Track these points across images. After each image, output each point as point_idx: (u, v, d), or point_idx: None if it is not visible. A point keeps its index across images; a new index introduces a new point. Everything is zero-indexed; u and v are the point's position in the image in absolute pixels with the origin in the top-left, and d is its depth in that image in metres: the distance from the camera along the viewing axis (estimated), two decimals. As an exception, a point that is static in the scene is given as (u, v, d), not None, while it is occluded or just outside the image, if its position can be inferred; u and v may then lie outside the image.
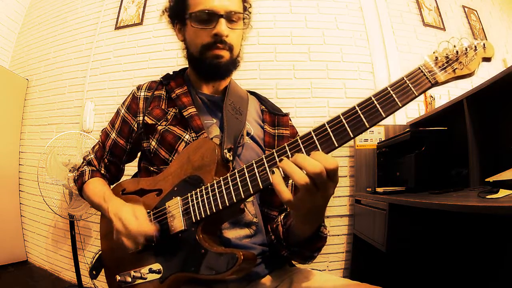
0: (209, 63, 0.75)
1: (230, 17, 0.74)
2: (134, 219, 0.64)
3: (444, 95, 2.13)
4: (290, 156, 0.50)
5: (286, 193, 0.47)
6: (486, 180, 1.06)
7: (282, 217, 0.71)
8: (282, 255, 0.69)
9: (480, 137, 1.32)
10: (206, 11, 0.72)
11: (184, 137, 0.74)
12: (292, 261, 0.79)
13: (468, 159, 1.34)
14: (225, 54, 0.75)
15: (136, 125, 0.81)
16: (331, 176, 0.46)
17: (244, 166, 0.56)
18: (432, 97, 2.08)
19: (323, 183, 0.46)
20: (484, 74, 1.42)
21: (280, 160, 0.49)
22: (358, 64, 2.24)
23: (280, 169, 0.48)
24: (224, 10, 0.72)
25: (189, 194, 0.64)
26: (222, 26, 0.72)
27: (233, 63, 0.78)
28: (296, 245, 0.64)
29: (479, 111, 1.35)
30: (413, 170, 1.50)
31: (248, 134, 0.79)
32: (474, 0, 2.73)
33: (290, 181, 0.48)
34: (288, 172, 0.46)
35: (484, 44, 0.49)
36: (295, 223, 0.60)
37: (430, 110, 1.99)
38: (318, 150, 0.49)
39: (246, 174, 0.55)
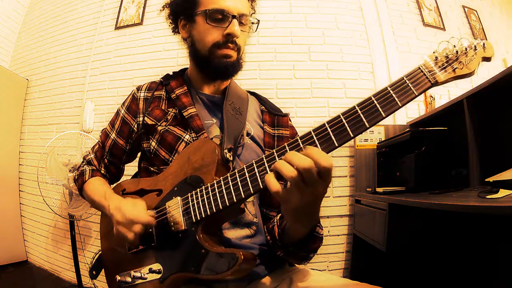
0: (217, 62, 0.75)
1: (240, 20, 0.75)
2: (133, 208, 0.65)
3: (444, 95, 2.13)
4: None
5: (274, 184, 0.47)
6: (486, 180, 1.06)
7: (278, 217, 0.70)
8: (278, 256, 0.69)
9: (480, 137, 1.32)
10: (220, 10, 0.72)
11: (184, 137, 0.74)
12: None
13: (468, 159, 1.34)
14: (234, 54, 0.76)
15: (136, 126, 0.81)
16: (323, 173, 0.45)
17: (244, 166, 0.56)
18: (432, 97, 2.08)
19: (312, 178, 0.45)
20: (484, 74, 1.42)
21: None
22: (358, 64, 2.24)
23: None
24: (237, 12, 0.74)
25: (189, 194, 0.64)
26: (235, 27, 0.72)
27: (239, 64, 0.79)
28: (291, 245, 0.63)
29: (479, 111, 1.35)
30: (413, 170, 1.50)
31: (248, 134, 0.79)
32: (474, 0, 2.73)
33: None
34: (278, 167, 0.46)
35: (483, 44, 0.49)
36: (288, 222, 0.60)
37: (430, 110, 1.99)
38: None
39: (246, 174, 0.55)
